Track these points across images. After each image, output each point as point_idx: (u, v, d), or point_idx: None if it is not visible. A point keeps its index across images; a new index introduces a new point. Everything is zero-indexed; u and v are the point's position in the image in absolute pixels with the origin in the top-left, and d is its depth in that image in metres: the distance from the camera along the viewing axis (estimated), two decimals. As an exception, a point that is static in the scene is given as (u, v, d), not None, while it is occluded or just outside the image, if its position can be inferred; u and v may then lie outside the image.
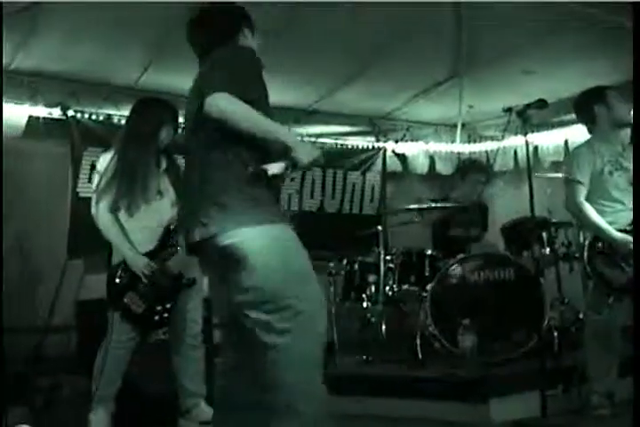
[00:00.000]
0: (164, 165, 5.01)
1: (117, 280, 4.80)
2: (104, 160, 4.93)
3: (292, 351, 3.18)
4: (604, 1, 5.48)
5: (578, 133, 7.65)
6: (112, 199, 4.79)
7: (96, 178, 4.93)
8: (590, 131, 5.23)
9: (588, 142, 5.20)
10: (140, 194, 4.77)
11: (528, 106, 4.80)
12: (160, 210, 4.88)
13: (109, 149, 4.99)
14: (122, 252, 4.79)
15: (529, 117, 4.84)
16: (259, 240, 3.19)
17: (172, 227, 4.89)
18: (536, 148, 8.72)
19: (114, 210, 4.81)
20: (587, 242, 4.95)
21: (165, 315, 4.80)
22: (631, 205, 4.87)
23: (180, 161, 4.97)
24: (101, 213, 4.82)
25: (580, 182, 4.99)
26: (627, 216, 4.92)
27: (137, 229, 4.83)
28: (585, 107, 5.18)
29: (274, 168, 3.19)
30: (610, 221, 4.92)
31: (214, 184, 3.24)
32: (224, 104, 3.08)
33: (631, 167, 4.95)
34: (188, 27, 3.94)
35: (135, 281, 4.77)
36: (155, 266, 4.76)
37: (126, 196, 4.77)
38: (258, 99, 3.24)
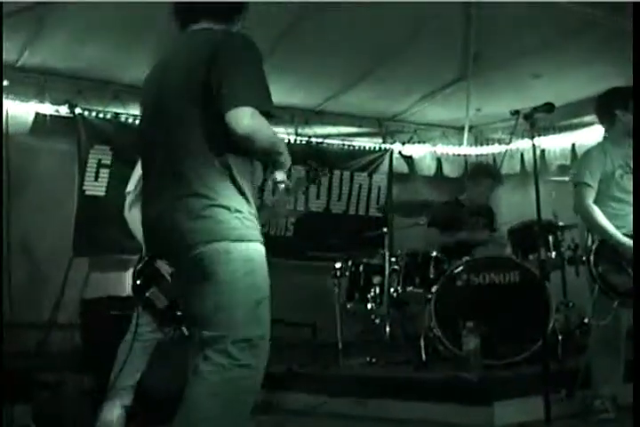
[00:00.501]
0: None
1: (142, 275, 4.82)
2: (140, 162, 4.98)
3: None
4: (605, 1, 5.46)
5: (585, 137, 7.67)
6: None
7: (131, 181, 4.95)
8: (606, 131, 5.19)
9: (600, 145, 5.17)
10: None
11: (535, 109, 4.78)
12: None
13: None
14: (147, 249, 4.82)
15: (536, 121, 4.82)
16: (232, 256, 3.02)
17: None
18: (543, 151, 8.71)
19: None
20: (593, 246, 4.94)
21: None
22: None
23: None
24: (133, 214, 4.83)
25: (588, 185, 4.97)
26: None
27: None
28: (606, 108, 5.14)
29: (279, 176, 3.18)
30: (618, 224, 4.89)
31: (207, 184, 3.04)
32: (250, 122, 2.89)
33: None
34: None
35: (158, 277, 4.78)
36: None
37: None
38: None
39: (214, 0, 3.41)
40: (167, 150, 3.13)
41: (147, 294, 4.75)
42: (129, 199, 4.90)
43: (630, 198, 4.95)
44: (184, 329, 4.85)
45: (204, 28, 3.34)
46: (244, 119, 2.87)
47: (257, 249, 3.08)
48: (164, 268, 4.66)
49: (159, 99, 3.26)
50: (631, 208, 4.94)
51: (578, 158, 5.39)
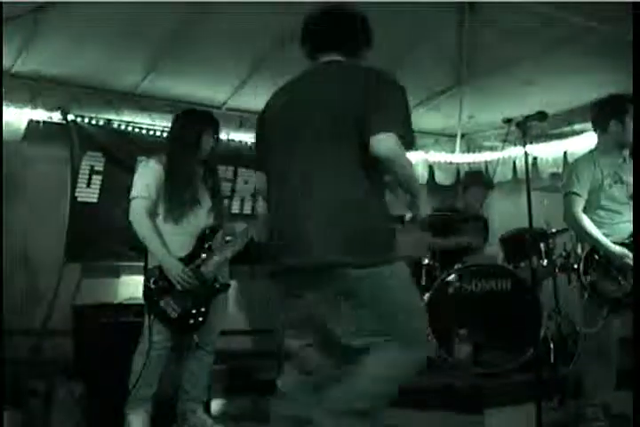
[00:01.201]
0: (200, 173, 5.06)
1: (153, 285, 4.83)
2: (145, 168, 4.98)
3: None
4: (605, 1, 5.48)
5: (577, 145, 7.68)
6: (152, 206, 4.84)
7: (136, 185, 4.95)
8: (598, 138, 5.21)
9: (589, 154, 5.20)
10: (182, 202, 4.83)
11: (528, 117, 4.79)
12: (197, 218, 4.97)
13: (149, 158, 5.07)
14: (158, 257, 4.82)
15: (529, 129, 4.84)
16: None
17: (207, 232, 4.99)
18: (535, 159, 8.71)
19: (152, 216, 4.84)
20: (583, 254, 4.96)
21: (200, 319, 4.84)
22: (630, 218, 4.88)
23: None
24: (139, 218, 4.85)
25: (577, 194, 4.99)
26: (625, 228, 4.93)
27: (174, 235, 4.88)
28: (601, 117, 5.16)
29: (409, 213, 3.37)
30: (607, 233, 4.92)
31: (363, 210, 3.32)
32: (394, 146, 3.18)
33: (630, 181, 4.96)
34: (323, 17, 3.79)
35: (171, 285, 4.79)
36: (189, 272, 4.78)
37: (168, 204, 4.83)
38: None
39: (349, 34, 3.70)
40: (309, 173, 3.37)
41: (160, 304, 4.77)
42: (145, 205, 4.87)
43: (620, 207, 4.98)
44: (195, 337, 4.89)
45: (336, 60, 3.65)
46: (389, 143, 3.17)
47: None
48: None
49: (299, 126, 3.48)
50: (620, 217, 4.97)
51: (567, 167, 5.40)
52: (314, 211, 3.29)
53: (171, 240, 4.87)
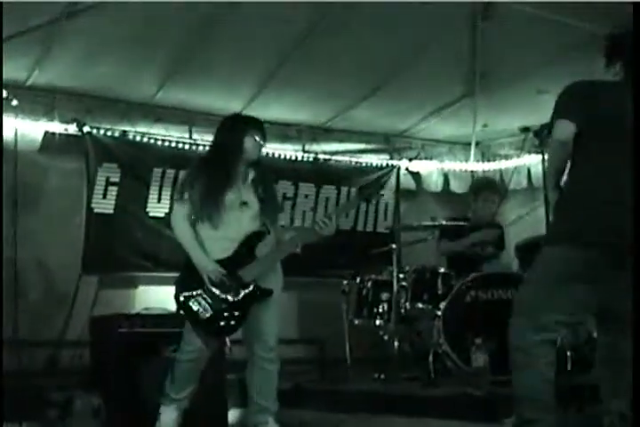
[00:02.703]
0: (250, 176, 5.00)
1: (186, 285, 4.79)
2: (187, 171, 4.97)
3: None
4: (605, 1, 5.48)
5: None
6: (190, 210, 4.81)
7: (178, 189, 4.95)
8: None
9: None
10: (220, 205, 4.78)
11: (544, 126, 4.79)
12: (241, 221, 4.82)
13: (195, 161, 5.07)
14: (192, 255, 4.76)
15: (546, 137, 4.83)
16: None
17: (250, 237, 4.86)
18: (550, 167, 8.70)
19: (192, 220, 4.82)
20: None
21: (232, 322, 4.74)
22: None
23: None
24: (179, 221, 4.81)
25: None
26: None
27: (214, 239, 4.79)
28: None
29: None
30: None
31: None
32: None
33: None
34: None
35: (203, 287, 4.75)
36: (223, 272, 4.74)
37: (205, 207, 4.77)
38: None
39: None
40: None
41: (191, 304, 4.74)
42: (183, 209, 4.83)
43: None
44: (227, 341, 4.81)
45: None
46: None
47: None
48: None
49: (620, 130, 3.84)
50: None
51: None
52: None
53: (211, 243, 4.79)
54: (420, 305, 6.68)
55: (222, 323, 4.73)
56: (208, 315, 4.71)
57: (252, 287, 4.77)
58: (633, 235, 3.66)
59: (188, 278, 4.80)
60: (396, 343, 6.59)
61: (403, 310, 6.67)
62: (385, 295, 6.84)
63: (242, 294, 4.75)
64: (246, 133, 4.90)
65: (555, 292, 3.89)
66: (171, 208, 5.03)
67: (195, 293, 4.74)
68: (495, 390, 5.47)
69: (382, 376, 6.49)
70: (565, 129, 3.91)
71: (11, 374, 5.80)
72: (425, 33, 6.53)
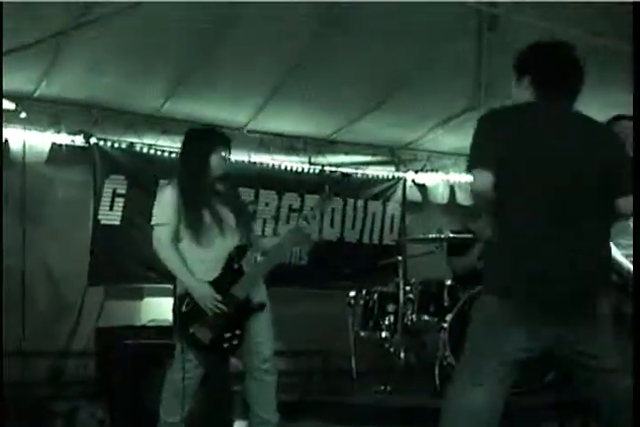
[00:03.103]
0: (221, 191, 5.00)
1: (183, 310, 4.77)
2: (162, 195, 4.95)
3: None
4: (605, 1, 5.48)
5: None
6: (173, 230, 4.81)
7: (155, 213, 4.92)
8: None
9: None
10: (201, 224, 4.78)
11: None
12: (224, 239, 4.84)
13: (167, 184, 5.03)
14: (185, 283, 4.75)
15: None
16: None
17: (234, 253, 4.85)
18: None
19: (175, 241, 4.83)
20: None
21: (235, 342, 4.71)
22: None
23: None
24: (164, 246, 4.81)
25: None
26: None
27: (199, 259, 4.79)
28: None
29: None
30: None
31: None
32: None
33: None
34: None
35: (201, 311, 4.73)
36: (219, 297, 4.73)
37: (188, 227, 4.78)
38: None
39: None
40: (568, 211, 3.46)
41: (191, 331, 4.72)
42: (165, 233, 4.84)
43: None
44: (233, 360, 4.79)
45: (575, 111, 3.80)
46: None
47: None
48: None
49: (562, 168, 3.49)
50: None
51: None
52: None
53: (198, 264, 4.78)
54: (426, 317, 6.68)
55: (226, 345, 4.74)
56: (210, 339, 4.71)
57: (247, 304, 4.78)
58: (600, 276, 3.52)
59: (183, 305, 4.80)
60: (401, 355, 6.60)
61: (409, 322, 6.68)
62: (391, 307, 6.84)
63: (239, 312, 4.76)
64: (212, 150, 4.91)
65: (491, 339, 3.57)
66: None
67: (193, 319, 4.74)
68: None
69: (388, 388, 6.49)
70: (482, 180, 3.48)
71: (16, 384, 5.81)
72: (429, 45, 6.55)
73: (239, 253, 4.85)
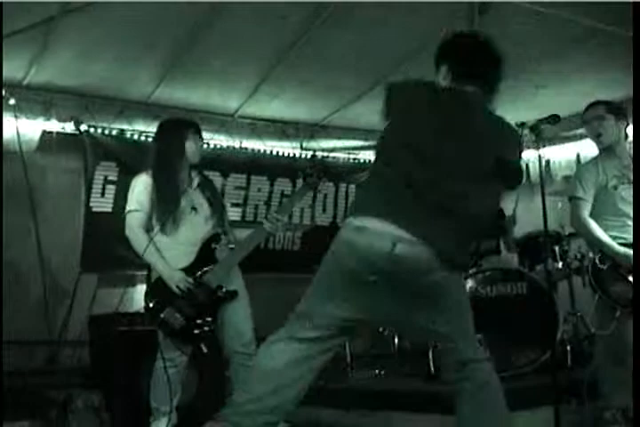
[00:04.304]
0: (196, 181, 5.05)
1: (155, 297, 4.81)
2: (136, 182, 4.98)
3: None
4: (605, 1, 5.47)
5: (589, 147, 7.67)
6: (146, 219, 4.84)
7: (129, 199, 4.96)
8: (597, 145, 5.24)
9: (594, 159, 5.25)
10: (174, 212, 4.81)
11: (541, 121, 4.79)
12: (194, 226, 4.91)
13: (141, 172, 5.04)
14: (157, 269, 4.80)
15: (542, 132, 4.83)
16: None
17: (208, 241, 4.94)
18: (548, 162, 8.71)
19: (148, 229, 4.85)
20: (595, 257, 4.95)
21: (206, 328, 4.77)
22: None
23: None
24: (135, 232, 4.86)
25: (581, 199, 5.00)
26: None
27: (172, 246, 4.84)
28: (588, 123, 5.18)
29: None
30: (615, 235, 4.91)
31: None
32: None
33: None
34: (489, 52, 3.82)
35: (172, 297, 4.77)
36: (190, 280, 4.77)
37: (160, 215, 4.81)
38: None
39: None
40: (445, 190, 3.43)
41: (163, 316, 4.75)
42: (138, 219, 4.87)
43: (628, 208, 4.97)
44: (203, 347, 4.84)
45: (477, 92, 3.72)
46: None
47: None
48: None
49: (442, 147, 3.50)
50: (630, 219, 4.95)
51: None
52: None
53: (170, 251, 4.84)
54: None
55: (196, 331, 4.77)
56: (181, 325, 4.74)
57: (219, 292, 4.81)
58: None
59: (155, 290, 4.83)
60: (395, 340, 6.60)
61: (402, 307, 6.67)
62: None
63: (210, 299, 4.78)
64: (187, 138, 4.95)
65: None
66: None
67: (165, 304, 4.76)
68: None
69: (382, 373, 6.49)
70: None
71: (10, 373, 5.80)
72: (423, 28, 6.52)
73: (213, 241, 4.91)
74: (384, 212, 3.39)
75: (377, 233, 3.32)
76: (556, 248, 6.59)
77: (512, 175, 3.68)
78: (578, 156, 8.41)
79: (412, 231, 3.30)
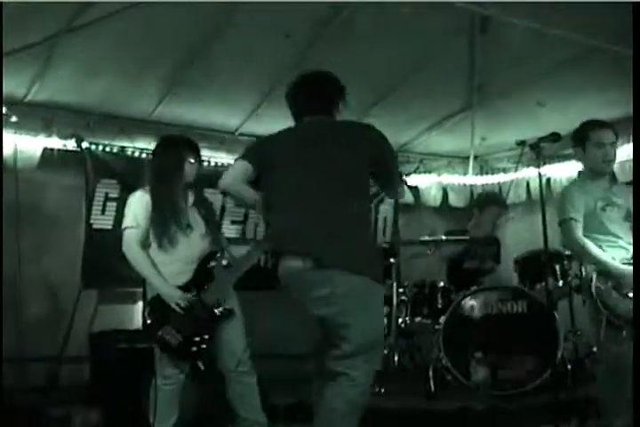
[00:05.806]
0: (191, 199, 5.06)
1: (153, 314, 4.80)
2: (133, 198, 4.98)
3: None
4: (605, 1, 5.49)
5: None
6: (143, 236, 4.85)
7: (125, 216, 4.97)
8: (582, 164, 5.24)
9: (576, 181, 5.25)
10: (171, 229, 4.82)
11: (541, 139, 4.80)
12: (191, 243, 4.91)
13: (138, 189, 5.05)
14: (155, 286, 4.79)
15: (542, 150, 4.84)
16: None
17: (205, 258, 4.94)
18: (548, 179, 8.70)
19: (145, 246, 4.86)
20: (594, 276, 4.92)
21: (203, 346, 4.76)
22: (629, 240, 4.87)
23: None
24: (133, 249, 4.85)
25: (575, 220, 4.97)
26: (623, 252, 4.91)
27: (169, 263, 4.84)
28: (603, 147, 5.13)
29: None
30: (608, 253, 4.91)
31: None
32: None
33: (622, 203, 4.97)
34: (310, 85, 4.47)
35: (170, 314, 4.76)
36: (189, 297, 4.77)
37: (157, 231, 4.82)
38: None
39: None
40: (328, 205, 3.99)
41: (160, 333, 4.74)
42: (135, 235, 4.87)
43: (616, 229, 4.96)
44: (199, 364, 4.83)
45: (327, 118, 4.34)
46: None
47: None
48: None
49: (314, 168, 4.06)
50: (619, 239, 4.94)
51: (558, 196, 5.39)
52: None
53: (167, 268, 4.84)
54: (420, 319, 6.68)
55: (194, 348, 4.77)
56: (178, 342, 4.74)
57: (216, 310, 4.82)
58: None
59: (153, 307, 4.83)
60: (395, 357, 6.58)
61: (402, 325, 6.67)
62: (385, 310, 6.83)
63: (208, 316, 4.79)
64: (185, 158, 4.97)
65: None
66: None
67: (162, 321, 4.76)
68: (496, 404, 5.46)
69: (382, 390, 6.47)
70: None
71: (11, 389, 5.79)
72: (423, 47, 6.55)
73: (210, 259, 4.92)
74: None
75: None
76: (557, 266, 6.58)
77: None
78: (579, 173, 8.41)
79: None
